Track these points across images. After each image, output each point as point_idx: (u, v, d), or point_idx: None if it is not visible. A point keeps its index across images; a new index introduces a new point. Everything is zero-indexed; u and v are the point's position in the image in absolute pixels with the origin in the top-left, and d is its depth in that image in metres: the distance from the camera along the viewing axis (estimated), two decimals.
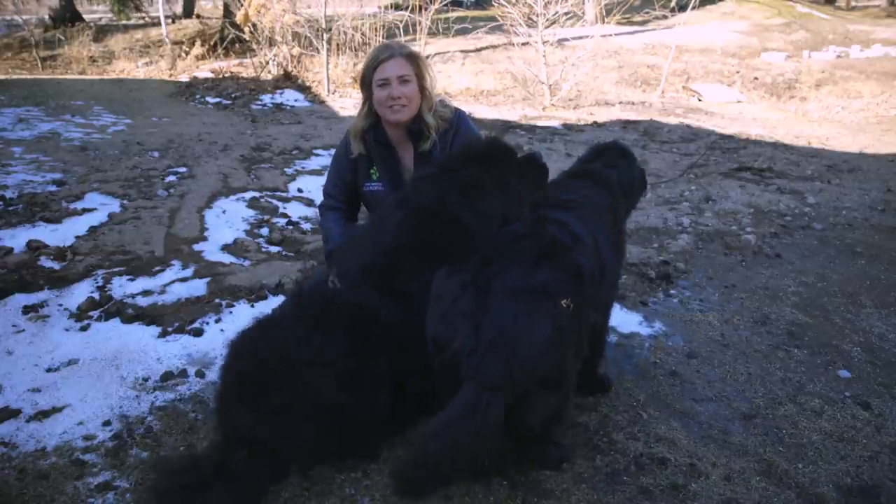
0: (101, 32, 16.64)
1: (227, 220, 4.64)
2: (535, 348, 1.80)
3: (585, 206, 2.39)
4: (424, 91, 2.66)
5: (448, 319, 1.88)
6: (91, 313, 3.22)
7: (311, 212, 5.02)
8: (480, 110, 9.50)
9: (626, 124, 8.99)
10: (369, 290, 2.17)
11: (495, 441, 1.75)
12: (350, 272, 2.22)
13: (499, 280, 1.87)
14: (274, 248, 4.24)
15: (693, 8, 12.86)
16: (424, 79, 2.65)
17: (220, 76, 11.70)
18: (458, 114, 2.79)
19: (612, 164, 2.69)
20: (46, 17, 17.75)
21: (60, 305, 3.29)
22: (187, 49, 13.95)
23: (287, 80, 11.14)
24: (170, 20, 17.40)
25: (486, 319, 1.80)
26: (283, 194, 5.39)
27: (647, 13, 14.08)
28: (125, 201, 4.87)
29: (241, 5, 11.49)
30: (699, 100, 11.43)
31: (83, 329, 3.09)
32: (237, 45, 13.70)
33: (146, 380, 2.72)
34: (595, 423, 2.51)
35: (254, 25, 11.49)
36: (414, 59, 2.63)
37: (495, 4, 10.95)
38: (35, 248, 3.87)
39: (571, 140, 7.96)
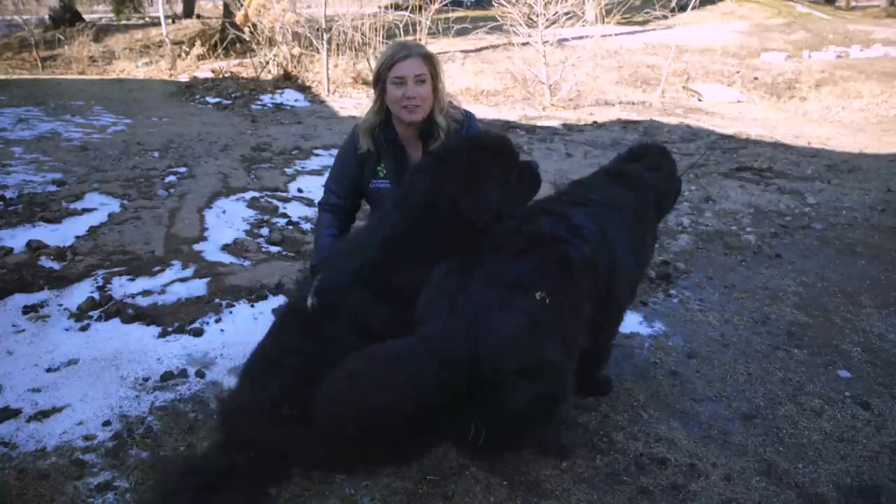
0: (101, 32, 16.61)
1: (227, 220, 4.64)
2: (504, 338, 1.83)
3: (604, 206, 2.38)
4: (437, 92, 2.66)
5: (429, 302, 1.94)
6: (91, 313, 3.22)
7: (311, 212, 5.01)
8: (480, 110, 9.50)
9: (626, 124, 8.98)
10: (365, 295, 2.10)
11: (410, 396, 1.71)
12: (344, 273, 2.18)
13: (478, 270, 1.95)
14: (274, 248, 4.24)
15: (693, 8, 12.85)
16: (439, 80, 2.66)
17: (220, 76, 11.68)
18: (468, 116, 2.80)
19: (653, 167, 2.65)
20: (46, 17, 17.73)
21: (60, 305, 3.29)
22: (187, 49, 13.94)
23: (287, 80, 11.13)
24: (170, 20, 17.40)
25: (461, 305, 1.86)
26: (283, 194, 5.39)
27: (647, 13, 14.05)
28: (125, 201, 4.87)
29: (241, 5, 11.49)
30: (699, 100, 11.43)
31: (83, 329, 3.09)
32: (237, 45, 13.68)
33: (146, 380, 2.72)
34: (595, 423, 2.51)
35: (254, 25, 11.48)
36: (430, 60, 2.63)
37: (495, 4, 10.94)
38: (35, 248, 3.87)
39: (571, 140, 7.96)
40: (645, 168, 2.62)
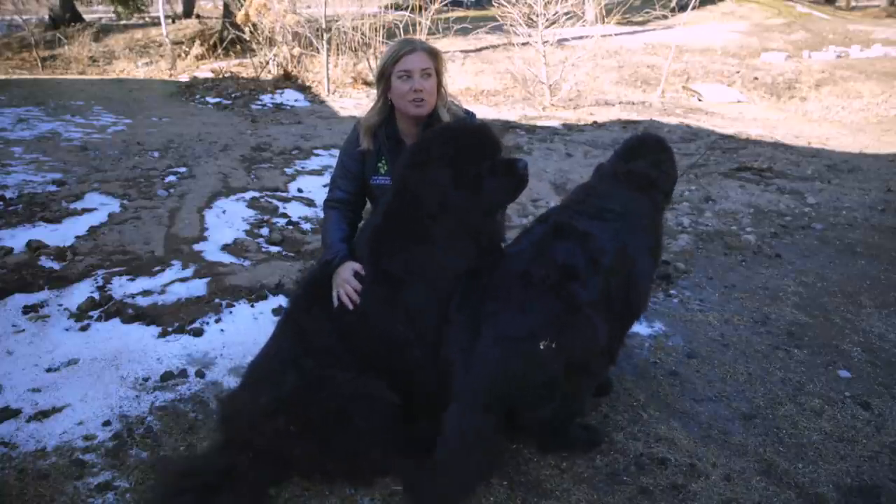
0: (101, 32, 16.62)
1: (227, 220, 4.64)
2: (515, 385, 2.07)
3: (622, 215, 2.40)
4: (441, 88, 2.68)
5: (448, 355, 2.14)
6: (91, 313, 3.22)
7: (311, 212, 5.01)
8: (480, 110, 9.49)
9: (626, 124, 8.98)
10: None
11: (491, 449, 2.06)
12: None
13: (488, 325, 2.10)
14: (274, 248, 4.24)
15: (693, 8, 12.84)
16: (443, 75, 2.68)
17: (220, 76, 11.68)
18: (470, 115, 2.81)
19: (657, 164, 2.65)
20: (46, 17, 17.73)
21: (60, 305, 3.29)
22: (187, 49, 13.94)
23: (287, 80, 11.13)
24: (170, 20, 17.39)
25: (474, 362, 2.07)
26: (283, 194, 5.39)
27: (647, 13, 14.05)
28: (125, 201, 4.87)
29: (242, 5, 11.48)
30: (699, 100, 11.43)
31: (83, 329, 3.09)
32: (237, 45, 13.68)
33: (146, 380, 2.72)
34: (595, 423, 2.51)
35: (254, 25, 11.48)
36: (435, 55, 2.64)
37: (495, 4, 10.94)
38: (35, 248, 3.87)
39: (571, 140, 7.95)
40: (650, 166, 2.61)
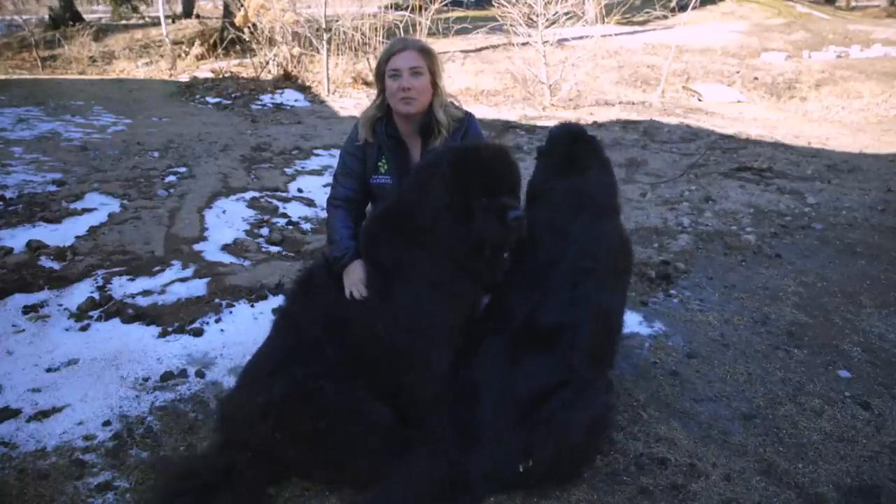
0: (101, 32, 16.60)
1: (227, 220, 4.64)
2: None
3: (594, 271, 2.35)
4: (437, 87, 2.67)
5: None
6: (91, 313, 3.22)
7: (311, 212, 5.02)
8: (480, 110, 9.49)
9: (626, 124, 8.98)
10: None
11: None
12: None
13: (476, 456, 2.13)
14: (274, 248, 4.24)
15: (693, 8, 12.84)
16: (437, 74, 2.67)
17: (220, 76, 11.68)
18: (469, 116, 2.81)
19: (606, 168, 2.68)
20: (46, 17, 17.73)
21: (60, 305, 3.29)
22: (187, 49, 13.93)
23: (287, 80, 11.13)
24: (170, 20, 17.38)
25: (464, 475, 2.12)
26: (283, 194, 5.39)
27: (647, 13, 14.06)
28: (125, 201, 4.87)
29: (241, 5, 11.48)
30: (699, 100, 11.42)
31: (83, 329, 3.09)
32: (237, 45, 13.67)
33: (146, 380, 2.72)
34: None
35: (254, 25, 11.47)
36: (427, 53, 2.64)
37: (495, 4, 10.94)
38: (35, 248, 3.87)
39: None
40: (605, 175, 2.65)
